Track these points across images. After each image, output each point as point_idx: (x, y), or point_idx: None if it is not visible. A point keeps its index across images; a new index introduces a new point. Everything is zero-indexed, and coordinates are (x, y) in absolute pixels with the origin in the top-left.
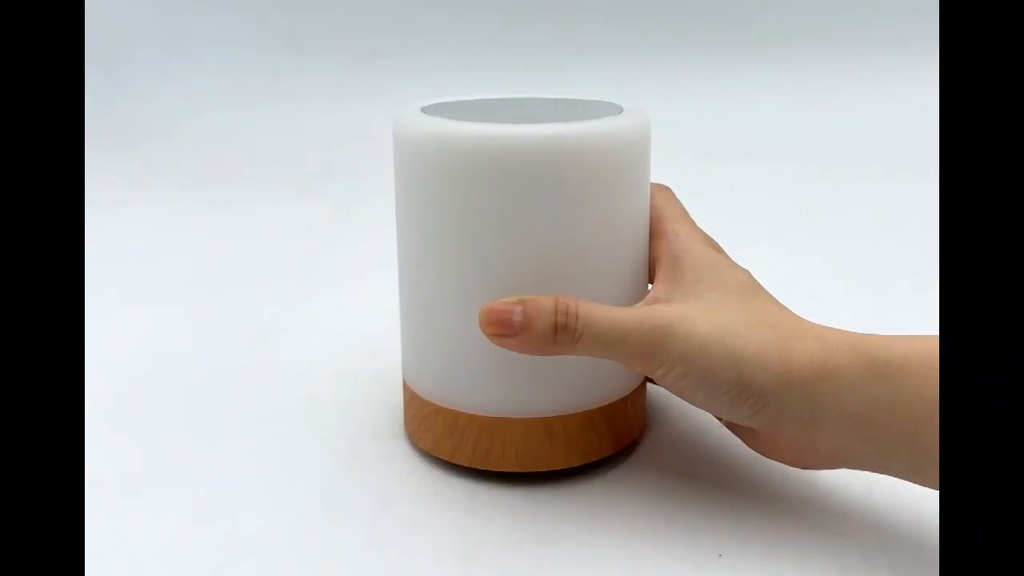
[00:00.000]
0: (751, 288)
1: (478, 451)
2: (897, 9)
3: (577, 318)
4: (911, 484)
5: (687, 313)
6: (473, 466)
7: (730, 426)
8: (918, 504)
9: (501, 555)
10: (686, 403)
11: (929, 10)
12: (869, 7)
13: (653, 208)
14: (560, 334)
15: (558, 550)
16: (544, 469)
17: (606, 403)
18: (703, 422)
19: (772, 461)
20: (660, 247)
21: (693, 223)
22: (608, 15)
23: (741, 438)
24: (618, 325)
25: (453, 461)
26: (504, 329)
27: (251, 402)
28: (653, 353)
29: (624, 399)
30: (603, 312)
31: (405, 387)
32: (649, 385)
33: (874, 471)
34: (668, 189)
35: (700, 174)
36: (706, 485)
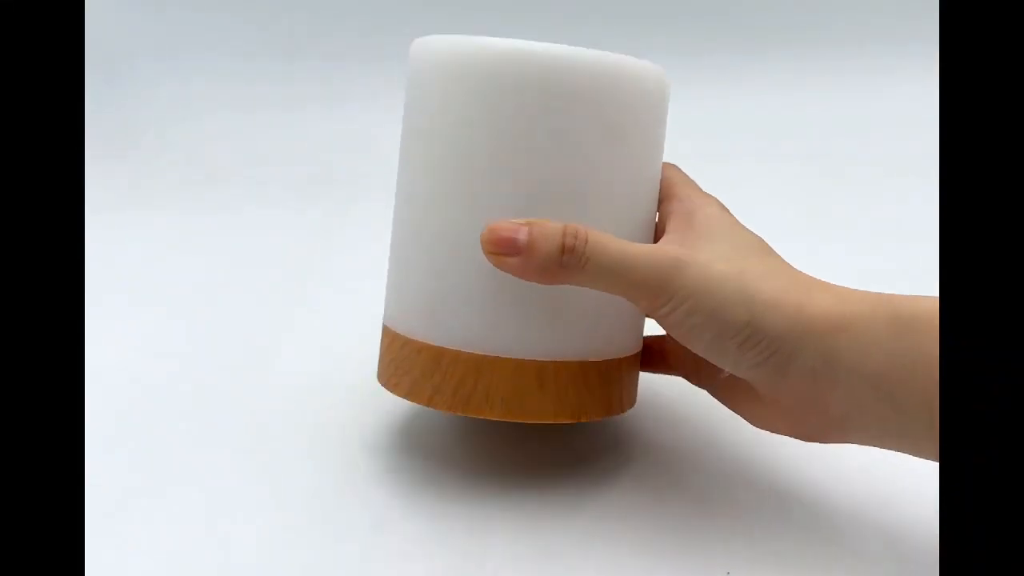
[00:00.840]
0: (766, 248)
1: (459, 394)
2: (895, 10)
3: (586, 243)
4: (910, 486)
5: (701, 253)
6: (453, 411)
7: (728, 399)
8: (918, 503)
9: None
10: (686, 419)
11: (928, 10)
12: (867, 8)
13: (663, 177)
14: (567, 256)
15: (562, 568)
16: (530, 420)
17: (602, 359)
18: (704, 435)
19: (774, 466)
20: (671, 206)
21: (704, 191)
22: (606, 16)
23: (739, 411)
24: (628, 254)
25: (431, 406)
26: (507, 248)
27: (247, 415)
28: (663, 286)
29: (620, 361)
30: (613, 241)
31: (384, 332)
32: (643, 401)
33: (882, 442)
34: (676, 165)
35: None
36: (709, 498)
